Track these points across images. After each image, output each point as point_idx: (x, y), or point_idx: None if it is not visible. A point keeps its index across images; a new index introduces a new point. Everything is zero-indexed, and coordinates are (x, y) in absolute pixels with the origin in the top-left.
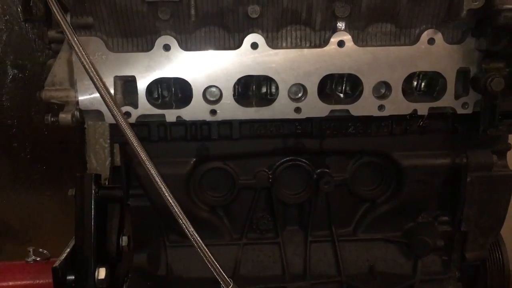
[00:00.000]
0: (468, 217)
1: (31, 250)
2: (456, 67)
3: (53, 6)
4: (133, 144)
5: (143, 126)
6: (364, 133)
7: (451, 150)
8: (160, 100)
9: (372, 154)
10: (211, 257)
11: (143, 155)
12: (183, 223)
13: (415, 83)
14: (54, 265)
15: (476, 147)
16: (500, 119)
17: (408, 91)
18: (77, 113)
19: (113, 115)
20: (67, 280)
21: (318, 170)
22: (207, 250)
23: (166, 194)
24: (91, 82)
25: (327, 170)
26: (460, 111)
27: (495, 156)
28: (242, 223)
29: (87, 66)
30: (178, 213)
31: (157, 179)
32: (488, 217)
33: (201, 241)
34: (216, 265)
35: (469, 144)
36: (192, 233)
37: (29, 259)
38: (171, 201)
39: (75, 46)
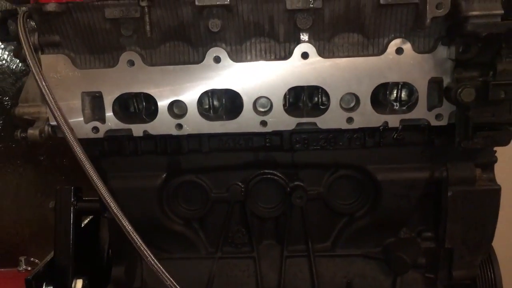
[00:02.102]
0: (453, 233)
1: (22, 259)
2: (427, 77)
3: (19, 25)
4: (80, 159)
5: (114, 140)
6: (335, 146)
7: (430, 163)
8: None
9: (347, 167)
10: (165, 272)
11: (90, 170)
12: (133, 237)
13: (395, 93)
14: (27, 277)
15: (457, 160)
16: (474, 131)
17: (384, 102)
18: (48, 129)
19: (62, 131)
20: None
21: (291, 184)
22: (159, 265)
23: (113, 208)
24: (61, 98)
25: (301, 184)
26: (434, 123)
27: (478, 169)
28: (218, 236)
29: (39, 82)
30: (126, 226)
31: (104, 194)
32: (475, 233)
33: (151, 255)
34: (171, 280)
35: (449, 157)
36: (141, 247)
37: (21, 268)
38: (118, 215)
39: (30, 63)
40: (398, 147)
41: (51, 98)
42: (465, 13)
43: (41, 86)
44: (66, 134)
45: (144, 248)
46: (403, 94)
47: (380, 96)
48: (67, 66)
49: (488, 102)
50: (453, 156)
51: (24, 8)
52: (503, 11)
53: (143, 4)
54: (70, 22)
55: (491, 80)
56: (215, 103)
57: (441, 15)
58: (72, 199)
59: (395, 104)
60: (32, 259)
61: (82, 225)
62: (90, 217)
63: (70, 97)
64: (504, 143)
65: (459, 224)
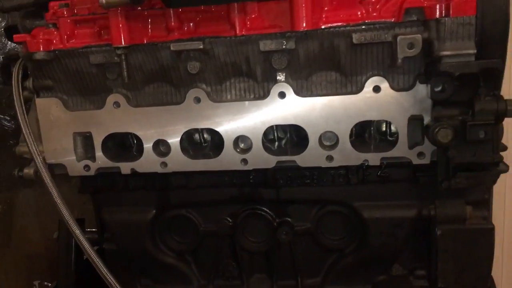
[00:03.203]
0: (445, 272)
1: (36, 284)
2: (407, 115)
3: (14, 72)
4: (54, 196)
5: (107, 176)
6: (319, 182)
7: (417, 201)
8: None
9: (333, 203)
10: None
11: (62, 207)
12: (102, 272)
13: (383, 128)
14: None
15: (446, 197)
16: (455, 171)
17: (367, 139)
18: (45, 166)
19: (40, 170)
20: None
21: (278, 219)
22: None
23: (77, 235)
24: (54, 138)
25: (288, 219)
26: (416, 161)
27: (469, 207)
28: (209, 269)
29: (22, 125)
30: (97, 263)
31: (73, 228)
32: (469, 273)
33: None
34: None
35: (437, 194)
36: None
37: None
38: (90, 253)
39: (17, 108)
40: (384, 184)
41: (31, 141)
42: (438, 53)
43: (24, 129)
44: (43, 173)
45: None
46: (390, 130)
47: (364, 132)
48: (59, 109)
49: (469, 142)
50: (442, 193)
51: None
52: (475, 51)
53: (119, 52)
54: (59, 67)
55: (469, 120)
56: (205, 136)
57: (413, 55)
58: None
59: (376, 141)
60: (45, 283)
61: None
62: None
63: (63, 137)
64: (489, 184)
65: (450, 264)
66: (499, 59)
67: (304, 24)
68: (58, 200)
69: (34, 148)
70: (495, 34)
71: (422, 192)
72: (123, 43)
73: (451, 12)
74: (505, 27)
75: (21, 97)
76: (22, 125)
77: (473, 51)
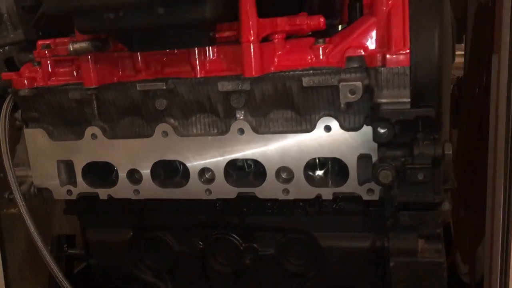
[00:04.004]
0: None
1: None
2: (356, 154)
3: (4, 107)
4: (26, 219)
5: (89, 200)
6: (279, 212)
7: (372, 233)
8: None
9: (294, 232)
10: None
11: (32, 228)
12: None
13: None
14: None
15: (400, 230)
16: (399, 210)
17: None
18: (34, 190)
19: (14, 193)
20: None
21: (244, 244)
22: None
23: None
24: (41, 164)
25: (253, 245)
26: (365, 197)
27: (422, 241)
28: (184, 287)
29: (4, 156)
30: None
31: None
32: None
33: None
34: None
35: (391, 227)
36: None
37: None
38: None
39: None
40: (339, 216)
41: (10, 172)
42: (376, 100)
43: (4, 161)
44: (18, 202)
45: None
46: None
47: (322, 166)
48: (45, 138)
49: (409, 183)
50: (397, 226)
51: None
52: (409, 99)
53: (89, 92)
54: (43, 102)
55: (408, 163)
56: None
57: (354, 100)
58: (64, 246)
59: (334, 175)
60: None
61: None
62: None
63: (48, 164)
64: (433, 224)
65: None
66: (431, 108)
67: (253, 72)
68: (29, 222)
69: (11, 177)
70: (428, 84)
71: (377, 225)
72: (93, 84)
73: (386, 62)
74: (437, 77)
75: (6, 132)
76: (3, 157)
77: (407, 99)
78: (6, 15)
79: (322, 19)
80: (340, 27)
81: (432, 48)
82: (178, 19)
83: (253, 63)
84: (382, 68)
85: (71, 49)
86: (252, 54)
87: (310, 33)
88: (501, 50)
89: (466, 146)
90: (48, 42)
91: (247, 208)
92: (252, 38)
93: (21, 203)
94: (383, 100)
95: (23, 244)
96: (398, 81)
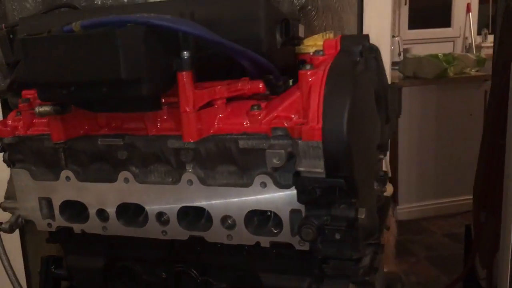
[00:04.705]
0: None
1: None
2: (288, 208)
3: None
4: None
5: (67, 231)
6: (228, 253)
7: (309, 276)
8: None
9: (242, 270)
10: None
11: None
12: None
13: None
14: None
15: (335, 276)
16: (322, 262)
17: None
18: (22, 220)
19: None
20: None
21: (201, 278)
22: None
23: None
24: (26, 199)
25: (209, 279)
26: (297, 247)
27: (353, 285)
28: None
29: None
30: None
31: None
32: None
33: None
34: None
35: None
36: None
37: None
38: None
39: None
40: (279, 259)
41: None
42: (297, 167)
43: None
44: None
45: None
46: None
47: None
48: (28, 178)
49: (330, 240)
50: (333, 272)
51: None
52: (323, 170)
53: (57, 146)
54: (25, 147)
55: (326, 224)
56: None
57: (279, 166)
58: (52, 267)
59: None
60: None
61: None
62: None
63: (31, 200)
64: (353, 275)
65: None
66: (341, 179)
67: (191, 138)
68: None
69: None
70: (339, 158)
71: (313, 270)
72: (60, 139)
73: (303, 136)
74: (347, 152)
75: None
76: None
77: (321, 170)
78: None
79: (261, 84)
80: (291, 82)
81: (341, 126)
82: (120, 95)
83: (191, 130)
84: (300, 141)
85: (37, 111)
86: (190, 122)
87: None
88: None
89: (489, 151)
90: (29, 96)
91: (201, 247)
92: (188, 109)
93: None
94: (302, 169)
95: None
96: (313, 153)
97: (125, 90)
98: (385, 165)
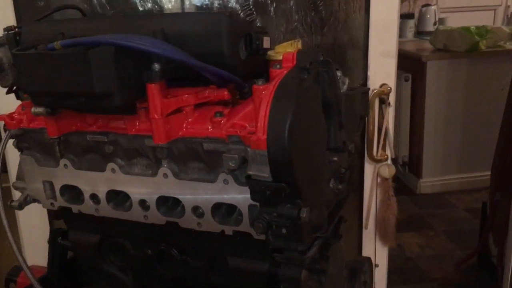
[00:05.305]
0: None
1: None
2: (247, 203)
3: (3, 140)
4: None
5: (68, 210)
6: (201, 237)
7: (271, 262)
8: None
9: (213, 253)
10: None
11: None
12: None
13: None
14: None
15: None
16: (272, 252)
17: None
18: (30, 199)
19: None
20: None
21: (180, 257)
22: None
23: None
24: (32, 181)
25: (187, 258)
26: (255, 237)
27: (305, 272)
28: (143, 282)
29: None
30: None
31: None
32: None
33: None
34: None
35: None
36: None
37: None
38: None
39: None
40: (244, 245)
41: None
42: (247, 171)
43: None
44: None
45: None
46: None
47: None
48: (33, 163)
49: (279, 234)
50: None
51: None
52: (269, 175)
53: (52, 141)
54: (29, 138)
55: (274, 219)
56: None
57: (234, 168)
58: (59, 238)
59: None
60: None
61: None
62: None
63: (37, 182)
64: (300, 264)
65: None
66: (284, 184)
67: (160, 141)
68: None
69: None
70: (281, 165)
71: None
72: (55, 135)
73: (251, 145)
74: (288, 160)
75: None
76: None
77: (267, 175)
78: (7, 64)
79: (226, 92)
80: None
81: (283, 137)
82: (96, 105)
83: (159, 134)
84: (249, 149)
85: (32, 111)
86: (158, 127)
87: None
88: None
89: (508, 130)
90: None
91: (179, 231)
92: (157, 116)
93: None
94: (251, 173)
95: None
96: (260, 160)
97: (99, 101)
98: (389, 148)
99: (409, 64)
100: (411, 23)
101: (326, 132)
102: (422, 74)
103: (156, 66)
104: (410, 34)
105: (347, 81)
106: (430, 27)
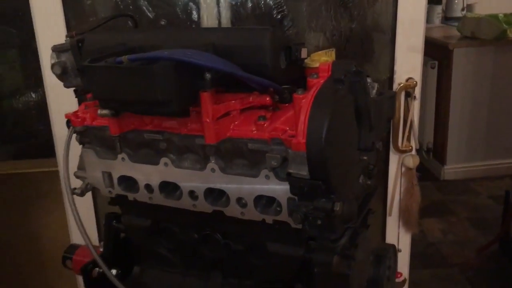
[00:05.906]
0: None
1: None
2: (286, 196)
3: (67, 136)
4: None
5: (123, 197)
6: (244, 223)
7: (307, 247)
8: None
9: (254, 238)
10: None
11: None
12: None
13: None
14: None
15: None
16: (308, 240)
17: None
18: (90, 186)
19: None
20: None
21: (223, 241)
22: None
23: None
24: (93, 171)
25: (230, 242)
26: (293, 225)
27: (336, 257)
28: (189, 262)
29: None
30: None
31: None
32: None
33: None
34: None
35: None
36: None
37: None
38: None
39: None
40: (282, 232)
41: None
42: (288, 170)
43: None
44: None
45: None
46: None
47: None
48: (93, 156)
49: (314, 224)
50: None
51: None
52: (307, 173)
53: (113, 137)
54: (91, 134)
55: (310, 212)
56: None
57: (276, 167)
58: (114, 221)
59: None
60: None
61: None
62: None
63: (97, 172)
64: (332, 250)
65: None
66: (319, 182)
67: (211, 141)
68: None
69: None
70: (318, 165)
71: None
72: (116, 133)
73: (292, 147)
74: (324, 161)
75: (68, 152)
76: (63, 168)
77: (306, 173)
78: (70, 68)
79: (268, 98)
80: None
81: (320, 141)
82: (157, 111)
83: (210, 135)
84: (290, 150)
85: (99, 113)
86: (209, 130)
87: None
88: None
89: None
90: None
91: (223, 218)
92: (209, 120)
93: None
94: (291, 171)
95: None
96: (300, 160)
97: (160, 107)
98: (414, 140)
99: (435, 51)
100: (439, 8)
101: (357, 134)
102: (449, 62)
103: (208, 76)
104: (437, 20)
105: (376, 86)
106: (458, 13)
